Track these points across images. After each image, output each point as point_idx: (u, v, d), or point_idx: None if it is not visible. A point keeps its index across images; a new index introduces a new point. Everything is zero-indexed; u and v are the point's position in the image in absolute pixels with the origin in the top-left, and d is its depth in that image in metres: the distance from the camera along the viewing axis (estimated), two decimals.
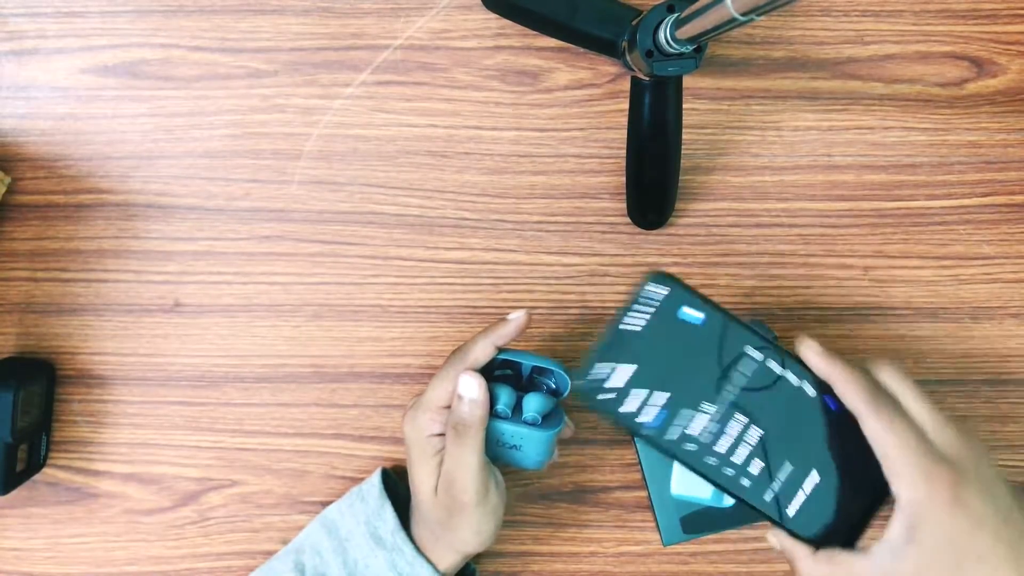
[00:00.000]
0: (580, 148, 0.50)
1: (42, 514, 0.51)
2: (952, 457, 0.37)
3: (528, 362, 0.43)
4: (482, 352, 0.42)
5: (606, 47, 0.46)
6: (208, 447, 0.51)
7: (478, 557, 0.50)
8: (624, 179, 0.50)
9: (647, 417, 0.40)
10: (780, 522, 0.40)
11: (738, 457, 0.40)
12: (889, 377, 0.39)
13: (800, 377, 0.40)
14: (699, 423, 0.40)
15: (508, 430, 0.42)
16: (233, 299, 0.51)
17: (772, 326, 0.50)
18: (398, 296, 0.51)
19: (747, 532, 0.51)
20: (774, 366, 0.40)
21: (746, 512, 0.43)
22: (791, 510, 0.40)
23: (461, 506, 0.41)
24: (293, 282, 0.51)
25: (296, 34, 0.50)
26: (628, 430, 0.40)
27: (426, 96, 0.50)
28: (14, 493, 0.50)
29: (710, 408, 0.40)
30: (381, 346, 0.51)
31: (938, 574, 0.36)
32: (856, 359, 0.40)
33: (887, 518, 0.37)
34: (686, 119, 0.48)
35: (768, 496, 0.40)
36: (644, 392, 0.40)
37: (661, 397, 0.40)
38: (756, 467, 0.40)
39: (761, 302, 0.51)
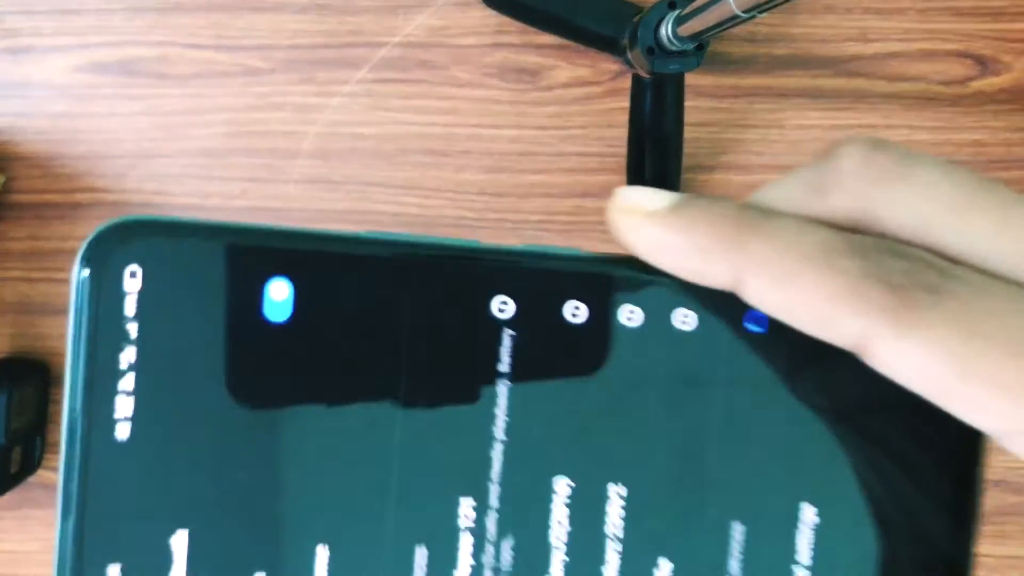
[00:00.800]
0: (581, 146, 0.50)
1: (37, 516, 0.50)
2: None
3: None
4: None
5: (607, 44, 0.46)
6: None
7: None
8: (625, 178, 0.49)
9: None
10: None
11: None
12: (871, 186, 0.14)
13: (655, 306, 0.16)
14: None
15: None
16: None
17: None
18: None
19: None
20: (576, 314, 0.16)
21: None
22: None
23: None
24: None
25: (293, 31, 0.49)
26: None
27: (425, 94, 0.50)
28: (8, 495, 0.50)
29: (462, 521, 0.16)
30: None
31: None
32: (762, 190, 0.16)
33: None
34: (687, 117, 0.47)
35: None
36: None
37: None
38: None
39: None
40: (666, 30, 0.39)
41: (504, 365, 0.15)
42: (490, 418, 0.15)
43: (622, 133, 0.49)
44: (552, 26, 0.48)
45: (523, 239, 0.50)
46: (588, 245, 0.50)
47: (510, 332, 0.15)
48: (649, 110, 0.44)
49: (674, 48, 0.39)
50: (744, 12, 0.30)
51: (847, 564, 0.16)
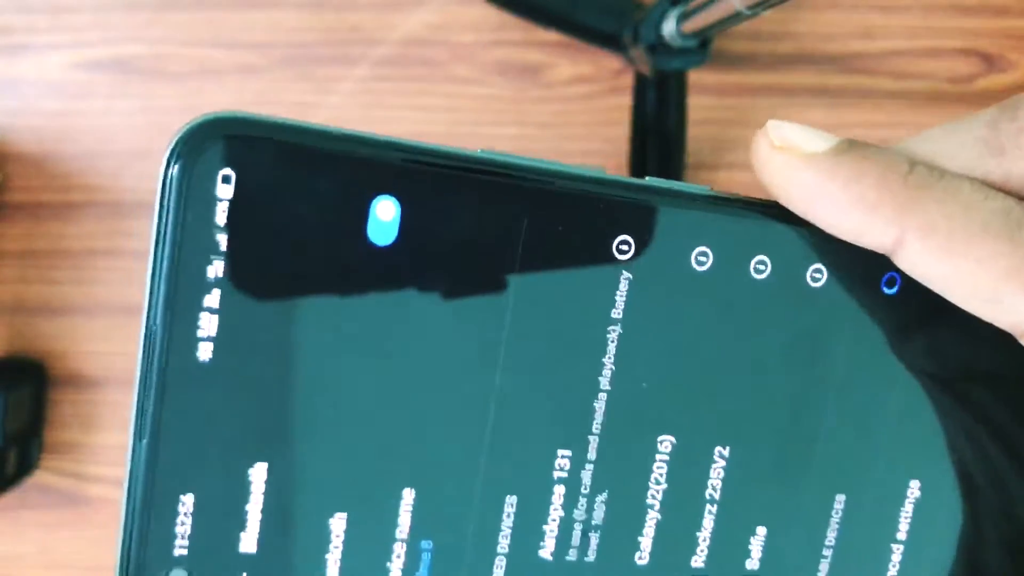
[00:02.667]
0: (583, 145, 0.49)
1: (33, 518, 0.50)
2: None
3: None
4: None
5: (609, 41, 0.45)
6: None
7: None
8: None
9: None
10: None
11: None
12: None
13: (788, 259, 0.14)
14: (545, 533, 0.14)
15: None
16: None
17: None
18: None
19: None
20: (700, 263, 0.14)
21: None
22: None
23: None
24: None
25: (291, 28, 0.49)
26: None
27: (424, 91, 0.49)
28: (4, 497, 0.49)
29: (557, 465, 0.14)
30: None
31: None
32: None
33: None
34: (691, 115, 0.47)
35: None
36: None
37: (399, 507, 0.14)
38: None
39: None
40: (668, 27, 0.38)
41: (618, 311, 0.14)
42: (597, 367, 0.14)
43: (624, 131, 0.48)
44: (553, 22, 0.47)
45: None
46: None
47: (628, 275, 0.14)
48: (652, 108, 0.44)
49: (676, 45, 0.39)
50: (747, 9, 0.29)
51: (938, 540, 0.15)
